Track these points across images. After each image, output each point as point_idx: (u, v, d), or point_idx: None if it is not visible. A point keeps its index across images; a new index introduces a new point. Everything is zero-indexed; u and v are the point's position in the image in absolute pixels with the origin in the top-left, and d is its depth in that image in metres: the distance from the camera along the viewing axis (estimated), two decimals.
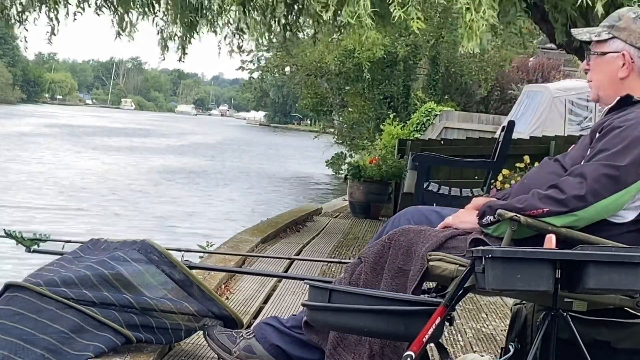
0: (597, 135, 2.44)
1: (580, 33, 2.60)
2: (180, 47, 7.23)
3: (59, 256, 3.25)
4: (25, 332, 2.71)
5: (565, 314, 2.27)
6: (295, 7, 6.36)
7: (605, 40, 2.53)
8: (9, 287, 2.87)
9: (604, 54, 2.53)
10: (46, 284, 2.87)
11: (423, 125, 15.47)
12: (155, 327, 2.99)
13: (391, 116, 15.87)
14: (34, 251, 3.43)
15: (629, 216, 2.39)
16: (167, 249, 3.20)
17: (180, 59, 7.34)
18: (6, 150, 27.36)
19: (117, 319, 2.90)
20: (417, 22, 4.92)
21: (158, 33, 7.23)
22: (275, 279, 4.93)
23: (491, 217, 2.38)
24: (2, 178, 19.40)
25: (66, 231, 10.83)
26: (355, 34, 5.30)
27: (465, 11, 4.94)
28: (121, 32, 7.17)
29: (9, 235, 3.42)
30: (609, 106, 2.52)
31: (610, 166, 2.32)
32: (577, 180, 2.32)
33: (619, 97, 2.49)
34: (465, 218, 2.54)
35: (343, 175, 13.32)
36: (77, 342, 2.78)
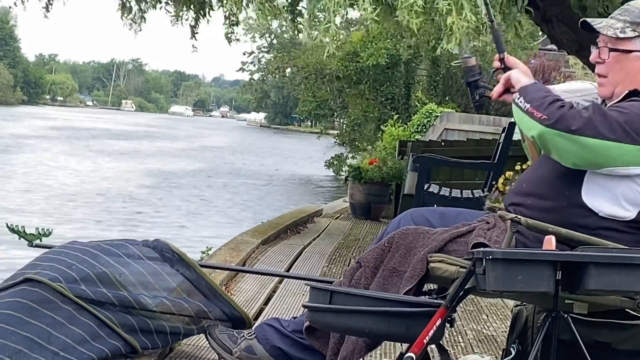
0: None
1: (603, 27, 2.49)
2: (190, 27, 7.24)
3: None
4: (41, 329, 2.70)
5: (565, 315, 2.27)
6: None
7: (631, 38, 2.45)
8: (27, 280, 2.84)
9: (629, 52, 2.45)
10: (65, 280, 2.84)
11: (424, 127, 15.44)
12: (169, 333, 3.00)
13: (394, 117, 15.86)
14: (36, 246, 3.45)
15: (631, 213, 2.38)
16: None
17: (192, 36, 7.31)
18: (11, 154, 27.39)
19: (133, 327, 2.90)
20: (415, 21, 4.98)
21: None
22: (275, 281, 4.94)
23: (522, 100, 2.41)
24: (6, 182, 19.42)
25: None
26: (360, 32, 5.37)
27: (446, 14, 5.01)
28: (134, 23, 7.21)
29: (11, 229, 3.45)
30: (614, 101, 2.47)
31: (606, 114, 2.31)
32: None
33: (626, 91, 2.43)
34: (521, 76, 2.55)
35: (343, 177, 13.32)
36: (89, 344, 2.78)
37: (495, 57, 2.68)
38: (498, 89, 2.63)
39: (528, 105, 2.39)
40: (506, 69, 2.63)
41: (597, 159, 2.31)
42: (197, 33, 7.28)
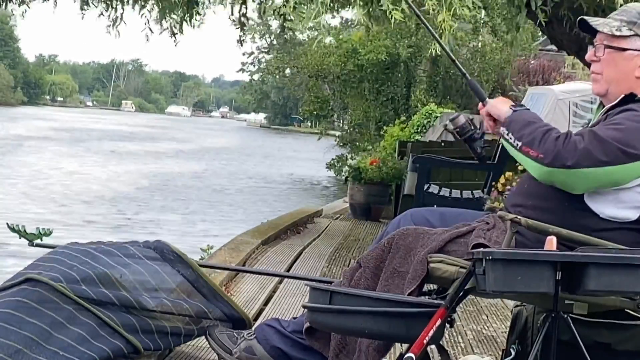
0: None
1: (600, 25, 2.52)
2: (175, 27, 7.26)
3: None
4: (41, 328, 2.69)
5: (565, 315, 2.27)
6: None
7: (626, 37, 2.47)
8: (29, 280, 2.84)
9: (624, 50, 2.47)
10: (67, 280, 2.84)
11: (424, 127, 15.45)
12: (170, 333, 3.01)
13: (402, 118, 15.89)
14: (37, 245, 3.45)
15: (633, 215, 2.38)
16: None
17: (173, 36, 7.35)
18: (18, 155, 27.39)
19: (134, 327, 2.90)
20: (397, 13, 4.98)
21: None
22: (275, 281, 4.93)
23: (512, 136, 2.43)
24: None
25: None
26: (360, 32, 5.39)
27: (437, 13, 5.00)
28: (112, 26, 7.23)
29: (12, 229, 3.45)
30: (611, 104, 2.48)
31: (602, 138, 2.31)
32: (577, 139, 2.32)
33: (622, 95, 2.45)
34: (499, 105, 2.57)
35: (344, 177, 13.33)
36: (89, 343, 2.78)
37: (479, 106, 2.68)
38: (490, 124, 2.63)
39: (520, 143, 2.40)
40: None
41: (604, 184, 2.34)
42: (177, 34, 7.33)
